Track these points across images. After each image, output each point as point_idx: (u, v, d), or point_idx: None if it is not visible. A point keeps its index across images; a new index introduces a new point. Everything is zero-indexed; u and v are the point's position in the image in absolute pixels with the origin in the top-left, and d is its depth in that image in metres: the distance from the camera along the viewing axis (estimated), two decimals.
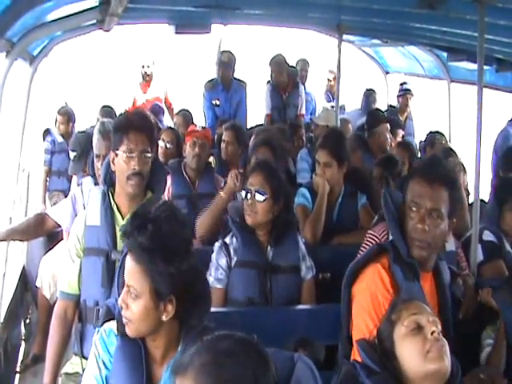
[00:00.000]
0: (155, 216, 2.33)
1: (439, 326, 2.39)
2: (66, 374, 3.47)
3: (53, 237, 5.35)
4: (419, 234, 2.89)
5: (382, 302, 2.79)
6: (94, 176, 4.41)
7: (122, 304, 2.35)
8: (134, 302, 2.32)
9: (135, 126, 3.34)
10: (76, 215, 3.91)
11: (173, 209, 2.40)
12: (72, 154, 5.59)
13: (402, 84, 8.96)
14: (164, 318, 2.33)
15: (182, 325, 2.41)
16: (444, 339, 2.38)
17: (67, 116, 8.16)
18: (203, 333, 2.00)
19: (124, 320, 2.36)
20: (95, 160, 4.41)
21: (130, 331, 2.36)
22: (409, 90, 8.80)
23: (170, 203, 2.66)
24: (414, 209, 2.91)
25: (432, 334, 2.34)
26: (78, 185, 4.60)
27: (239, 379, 1.70)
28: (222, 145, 6.11)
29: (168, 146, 6.13)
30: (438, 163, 3.07)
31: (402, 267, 2.88)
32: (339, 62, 6.55)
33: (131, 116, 3.50)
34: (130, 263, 2.34)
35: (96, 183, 4.22)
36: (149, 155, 3.34)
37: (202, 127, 5.86)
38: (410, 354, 2.34)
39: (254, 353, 1.76)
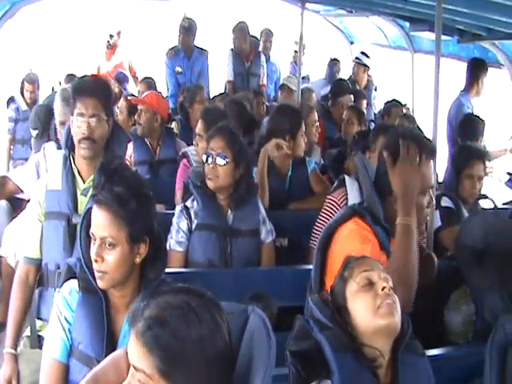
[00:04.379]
0: (117, 166, 2.60)
1: (390, 283, 2.43)
2: (28, 337, 3.50)
3: (16, 205, 5.33)
4: None
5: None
6: (57, 141, 4.40)
7: (97, 258, 2.48)
8: (111, 252, 2.49)
9: (86, 90, 3.35)
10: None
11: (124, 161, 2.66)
12: (34, 133, 5.57)
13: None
14: (137, 259, 2.54)
15: (141, 278, 2.57)
16: (395, 295, 2.42)
17: (36, 84, 8.10)
18: (160, 286, 2.08)
19: (98, 274, 2.50)
20: (59, 127, 4.40)
21: (104, 283, 2.51)
22: (359, 60, 8.81)
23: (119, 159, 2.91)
24: None
25: (383, 289, 2.38)
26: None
27: (195, 331, 1.77)
28: None
29: (118, 113, 6.22)
30: None
31: (382, 230, 2.97)
32: (302, 30, 6.59)
33: (84, 81, 3.51)
34: (102, 215, 2.50)
35: (59, 148, 4.21)
36: (101, 120, 3.34)
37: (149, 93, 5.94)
38: (361, 309, 2.38)
39: (209, 305, 1.83)
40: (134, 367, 1.78)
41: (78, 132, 3.33)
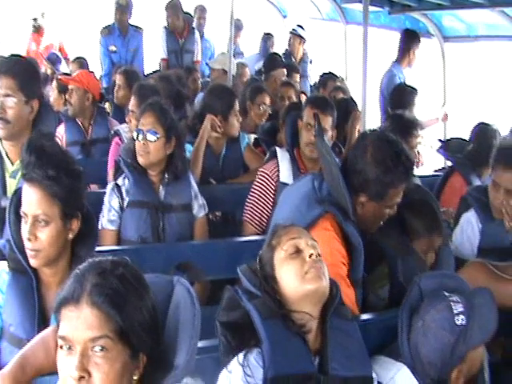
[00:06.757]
0: (45, 143, 2.55)
1: (318, 250, 2.46)
2: None
3: None
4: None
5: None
6: None
7: (30, 236, 2.45)
8: (44, 230, 2.47)
9: (1, 70, 3.27)
10: None
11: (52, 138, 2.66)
12: None
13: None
14: (70, 235, 2.53)
15: (72, 256, 2.57)
16: (323, 262, 2.45)
17: None
18: None
19: (31, 253, 2.47)
20: None
21: (38, 261, 2.48)
22: (294, 31, 8.83)
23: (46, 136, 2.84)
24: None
25: (310, 256, 2.41)
26: None
27: (136, 286, 1.81)
28: (115, 89, 6.10)
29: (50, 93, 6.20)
30: None
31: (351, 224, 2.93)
32: (232, 5, 6.57)
33: (2, 61, 3.41)
34: (34, 193, 2.47)
35: None
36: (16, 100, 3.25)
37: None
38: (288, 276, 2.40)
39: (132, 270, 1.86)
40: (93, 339, 1.73)
41: None
